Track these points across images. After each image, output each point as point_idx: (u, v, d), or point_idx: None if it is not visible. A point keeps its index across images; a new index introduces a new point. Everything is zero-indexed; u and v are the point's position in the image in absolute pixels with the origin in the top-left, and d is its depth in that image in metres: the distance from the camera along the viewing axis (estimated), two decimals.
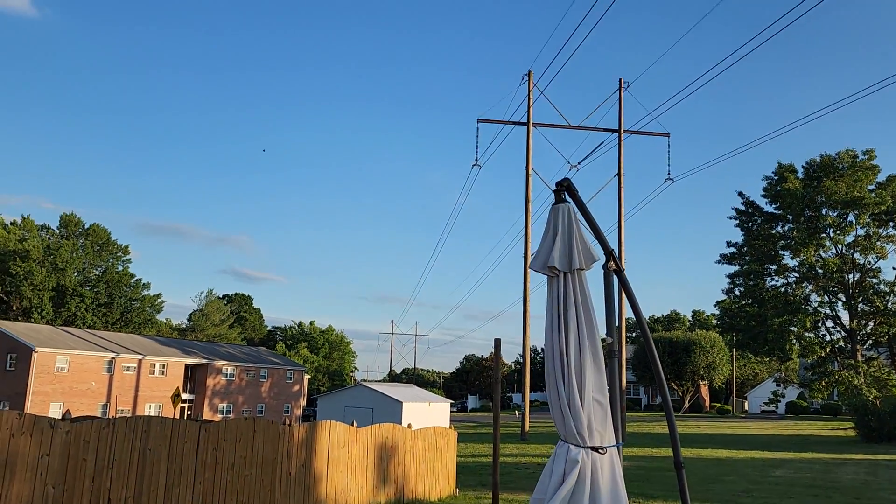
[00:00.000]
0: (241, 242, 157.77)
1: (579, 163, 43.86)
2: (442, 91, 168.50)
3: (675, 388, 76.41)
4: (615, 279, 3.45)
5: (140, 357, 51.39)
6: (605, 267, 3.43)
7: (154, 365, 52.64)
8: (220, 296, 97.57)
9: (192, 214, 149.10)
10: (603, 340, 3.36)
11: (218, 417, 53.65)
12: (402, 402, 30.65)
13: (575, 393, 3.04)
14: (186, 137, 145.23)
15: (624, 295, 3.65)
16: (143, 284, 76.86)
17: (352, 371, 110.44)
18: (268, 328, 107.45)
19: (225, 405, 57.52)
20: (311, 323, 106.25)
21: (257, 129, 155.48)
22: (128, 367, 50.58)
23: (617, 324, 3.52)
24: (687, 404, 76.67)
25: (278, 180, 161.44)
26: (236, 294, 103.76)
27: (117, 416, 41.35)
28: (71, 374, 46.61)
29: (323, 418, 30.67)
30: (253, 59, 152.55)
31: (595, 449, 3.02)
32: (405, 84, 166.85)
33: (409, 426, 15.04)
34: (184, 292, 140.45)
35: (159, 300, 78.78)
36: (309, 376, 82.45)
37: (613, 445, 3.11)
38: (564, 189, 3.40)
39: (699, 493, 16.61)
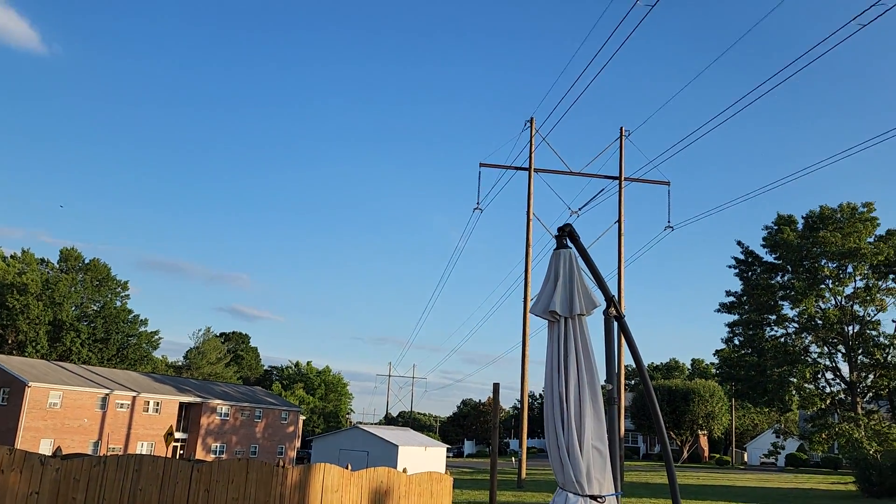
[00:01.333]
0: (240, 280, 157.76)
1: (580, 209, 44.13)
2: (445, 135, 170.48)
3: (674, 437, 75.51)
4: (615, 325, 3.45)
5: (134, 394, 50.88)
6: (605, 313, 3.43)
7: (148, 402, 52.10)
8: (218, 334, 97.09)
9: (191, 251, 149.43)
10: (602, 387, 3.35)
11: (211, 457, 52.88)
12: (398, 446, 30.24)
13: (574, 440, 3.01)
14: (187, 173, 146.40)
15: (624, 341, 3.65)
16: (141, 321, 76.57)
17: (348, 413, 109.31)
18: (264, 367, 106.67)
19: (218, 445, 56.74)
20: (308, 363, 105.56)
21: (258, 166, 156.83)
22: (121, 404, 50.05)
23: (616, 370, 3.51)
24: (686, 454, 75.64)
25: (278, 219, 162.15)
26: (234, 332, 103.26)
27: (109, 453, 40.75)
28: (63, 410, 46.08)
29: (318, 460, 30.23)
30: (254, 96, 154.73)
31: (594, 498, 2.98)
32: (408, 127, 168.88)
33: (405, 471, 14.84)
34: (181, 329, 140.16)
35: (156, 337, 78.40)
36: (304, 417, 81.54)
37: (612, 495, 3.07)
38: (566, 235, 3.42)
39: None
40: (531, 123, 40.80)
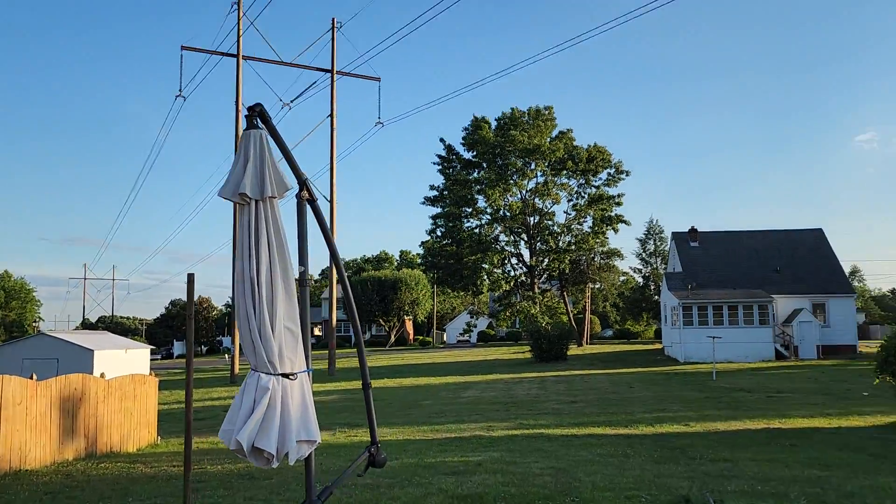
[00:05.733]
0: None
1: (292, 101, 43.17)
2: (140, 12, 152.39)
3: (383, 323, 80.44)
4: (308, 208, 3.46)
5: None
6: (298, 196, 3.42)
7: None
8: None
9: None
10: (299, 275, 3.39)
11: None
12: (92, 351, 27.93)
13: (266, 322, 3.03)
14: None
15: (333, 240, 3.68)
16: None
17: (35, 321, 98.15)
18: None
19: None
20: None
21: None
22: None
23: (331, 255, 3.56)
24: (393, 338, 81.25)
25: None
26: None
27: None
28: None
29: None
30: None
31: (286, 376, 3.06)
32: (101, 3, 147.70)
33: (102, 375, 13.90)
34: None
35: None
36: None
37: (304, 371, 3.18)
38: (257, 115, 3.31)
39: (400, 417, 17.89)
40: (239, 5, 38.25)
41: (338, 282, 57.61)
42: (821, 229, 44.76)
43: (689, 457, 10.57)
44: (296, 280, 3.33)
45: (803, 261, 42.14)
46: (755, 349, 36.03)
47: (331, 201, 37.82)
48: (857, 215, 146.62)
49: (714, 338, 30.82)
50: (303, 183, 3.41)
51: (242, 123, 31.82)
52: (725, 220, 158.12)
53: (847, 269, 59.19)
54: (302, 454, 3.13)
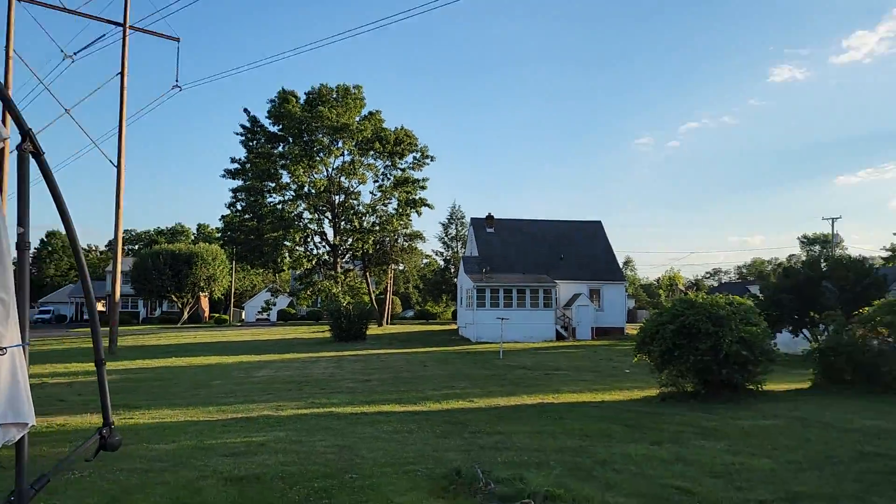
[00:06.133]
0: None
1: (76, 53, 39.02)
2: None
3: (176, 299, 75.98)
4: (32, 163, 3.07)
5: None
6: (20, 148, 3.01)
7: None
8: None
9: None
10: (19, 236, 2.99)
11: None
12: None
13: None
14: None
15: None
16: None
17: None
18: None
19: None
20: None
21: None
22: None
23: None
24: (186, 315, 77.07)
25: None
26: None
27: None
28: None
29: None
30: None
31: None
32: None
33: None
34: None
35: None
36: None
37: (17, 346, 2.83)
38: None
39: (185, 398, 16.97)
40: None
41: (134, 255, 52.88)
42: (599, 221, 49.00)
43: (470, 431, 11.08)
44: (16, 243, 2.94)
45: (583, 250, 45.92)
46: (539, 330, 38.73)
47: (118, 167, 34.82)
48: (633, 210, 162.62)
49: (502, 319, 32.64)
50: (26, 134, 3.00)
51: (15, 70, 27.82)
52: (521, 208, 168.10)
53: (621, 260, 65.50)
54: (10, 438, 2.79)
